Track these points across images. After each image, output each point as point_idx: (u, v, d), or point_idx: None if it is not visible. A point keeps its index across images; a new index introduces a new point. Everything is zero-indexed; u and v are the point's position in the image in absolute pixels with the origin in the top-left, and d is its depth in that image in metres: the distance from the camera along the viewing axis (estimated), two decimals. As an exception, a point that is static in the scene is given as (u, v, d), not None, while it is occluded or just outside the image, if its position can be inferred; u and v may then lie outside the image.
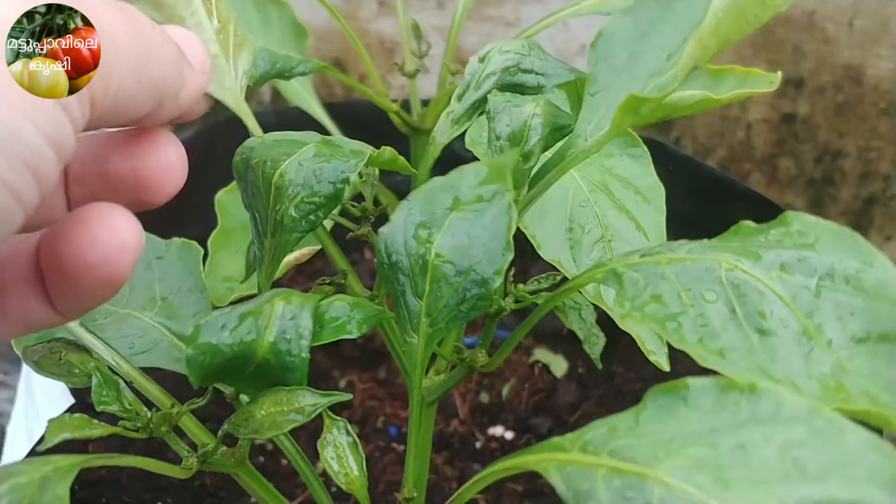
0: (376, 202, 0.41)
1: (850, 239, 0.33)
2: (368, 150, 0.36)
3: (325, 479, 0.44)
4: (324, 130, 0.70)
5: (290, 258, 0.56)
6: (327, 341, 0.35)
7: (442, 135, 0.39)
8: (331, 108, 0.74)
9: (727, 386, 0.28)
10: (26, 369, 0.68)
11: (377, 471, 0.64)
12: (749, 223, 0.34)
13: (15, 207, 0.25)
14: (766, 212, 0.72)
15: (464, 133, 0.41)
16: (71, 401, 0.62)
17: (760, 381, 0.30)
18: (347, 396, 0.36)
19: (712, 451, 0.26)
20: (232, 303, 0.46)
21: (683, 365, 0.71)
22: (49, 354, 0.37)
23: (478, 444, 0.66)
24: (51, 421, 0.35)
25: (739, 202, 0.77)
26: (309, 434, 0.61)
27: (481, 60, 0.38)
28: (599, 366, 0.40)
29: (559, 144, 0.38)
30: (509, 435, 0.67)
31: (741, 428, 0.27)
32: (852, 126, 0.92)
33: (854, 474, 0.25)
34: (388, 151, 0.36)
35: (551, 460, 0.29)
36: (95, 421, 0.36)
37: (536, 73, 0.38)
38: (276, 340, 0.34)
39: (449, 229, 0.34)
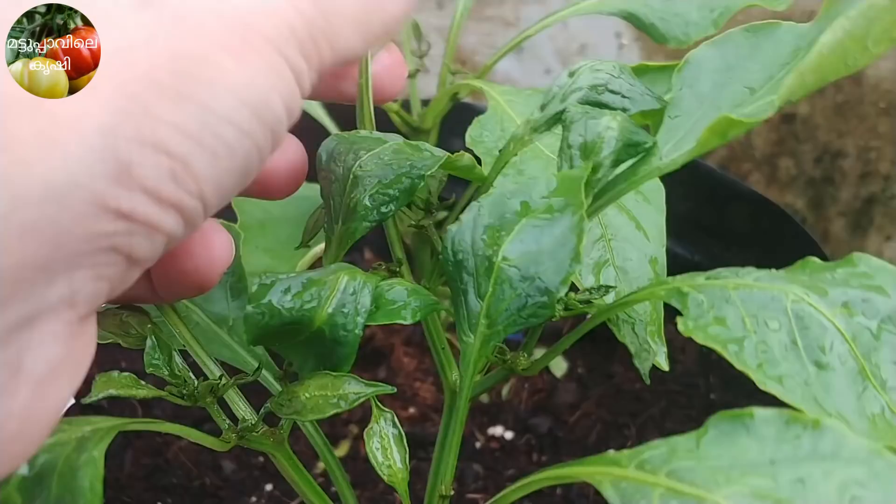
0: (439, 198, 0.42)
1: (916, 286, 0.34)
2: (445, 154, 0.38)
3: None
4: (324, 130, 0.71)
5: (318, 249, 0.60)
6: (381, 323, 0.36)
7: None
8: (331, 107, 0.74)
9: (791, 419, 0.29)
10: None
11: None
12: (815, 260, 0.35)
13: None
14: (766, 212, 0.72)
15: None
16: (71, 401, 0.62)
17: (814, 411, 0.31)
18: (392, 389, 0.37)
19: (772, 482, 0.28)
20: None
21: (683, 365, 0.72)
22: (112, 314, 0.38)
23: (477, 445, 0.66)
24: (99, 376, 0.36)
25: (739, 202, 0.77)
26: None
27: (571, 75, 0.39)
28: (648, 381, 0.41)
29: (632, 161, 0.38)
30: (509, 435, 0.67)
31: (802, 462, 0.28)
32: (852, 126, 0.93)
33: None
34: (466, 157, 0.37)
35: (606, 474, 0.30)
36: (142, 382, 0.37)
37: (623, 97, 0.38)
38: (334, 312, 0.36)
39: (518, 234, 0.35)
